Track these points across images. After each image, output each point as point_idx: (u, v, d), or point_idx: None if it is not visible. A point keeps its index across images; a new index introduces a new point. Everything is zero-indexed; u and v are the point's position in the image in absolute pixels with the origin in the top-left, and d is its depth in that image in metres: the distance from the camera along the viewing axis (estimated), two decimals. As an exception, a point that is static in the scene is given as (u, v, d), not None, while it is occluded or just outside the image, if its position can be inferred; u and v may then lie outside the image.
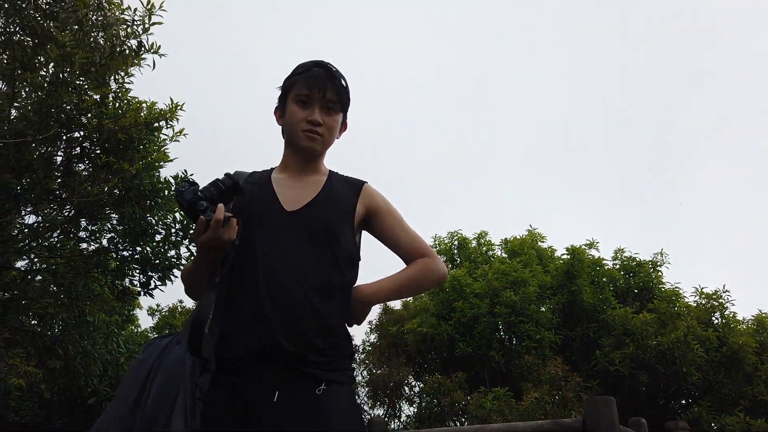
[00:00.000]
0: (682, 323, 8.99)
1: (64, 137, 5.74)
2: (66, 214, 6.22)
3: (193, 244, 6.21)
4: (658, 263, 11.77)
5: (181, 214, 6.13)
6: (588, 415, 5.15)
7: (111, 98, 4.94)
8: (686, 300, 10.57)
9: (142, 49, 4.45)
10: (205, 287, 1.60)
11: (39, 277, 6.05)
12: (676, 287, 11.22)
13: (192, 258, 1.76)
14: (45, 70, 4.38)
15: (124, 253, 5.86)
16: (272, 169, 1.86)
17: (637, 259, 11.62)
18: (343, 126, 1.85)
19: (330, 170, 1.86)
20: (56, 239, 6.45)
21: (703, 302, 10.59)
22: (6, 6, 4.95)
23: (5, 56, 5.24)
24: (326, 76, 1.73)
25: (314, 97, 1.71)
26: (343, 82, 1.77)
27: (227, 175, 1.59)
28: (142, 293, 5.89)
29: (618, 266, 11.69)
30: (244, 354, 1.48)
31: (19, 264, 6.75)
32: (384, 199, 1.83)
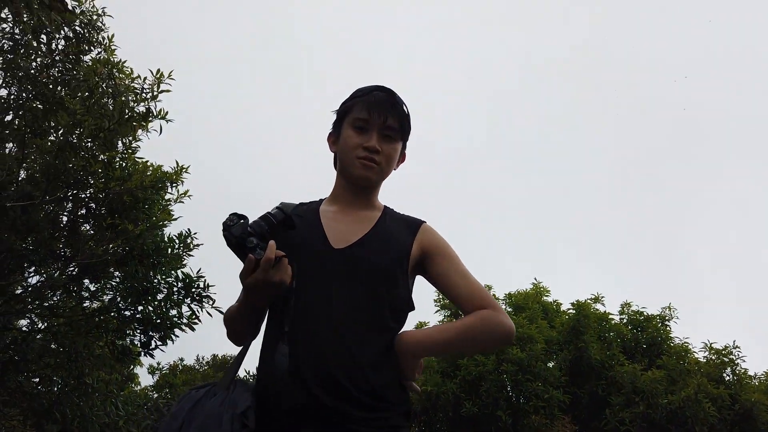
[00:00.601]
0: (693, 381, 8.79)
1: (71, 198, 5.84)
2: (69, 273, 6.25)
3: (194, 303, 6.20)
4: (666, 317, 11.62)
5: (183, 273, 6.14)
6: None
7: (117, 160, 5.05)
8: (696, 356, 10.38)
9: (150, 115, 4.59)
10: (274, 340, 1.43)
11: (39, 336, 6.02)
12: (685, 342, 11.04)
13: (237, 300, 1.56)
14: (54, 135, 4.50)
15: (126, 312, 5.83)
16: (321, 200, 1.69)
17: (645, 313, 11.48)
18: (402, 157, 1.68)
19: (385, 206, 1.69)
20: (58, 298, 6.45)
21: (713, 358, 10.40)
22: (20, 74, 5.14)
23: (17, 121, 5.41)
24: (388, 101, 1.58)
25: (373, 123, 1.55)
26: (405, 108, 1.61)
27: (279, 207, 1.44)
28: (142, 353, 5.83)
29: (625, 320, 11.54)
30: (283, 412, 1.36)
31: (21, 323, 6.74)
32: (443, 240, 1.64)
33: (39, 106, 5.05)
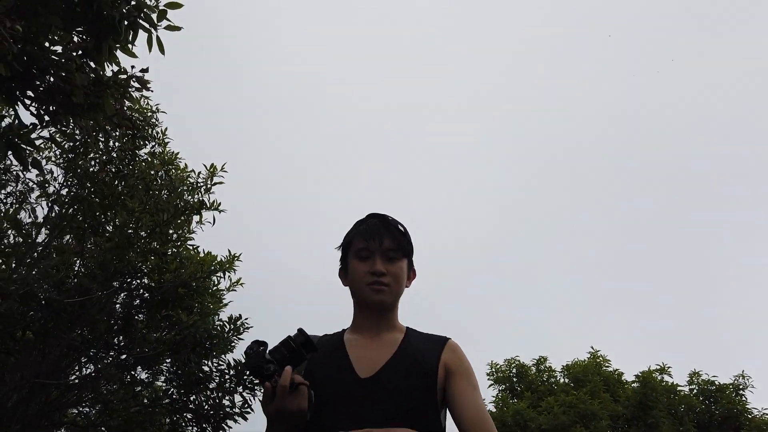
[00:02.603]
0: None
1: (125, 287, 5.92)
2: (123, 362, 6.25)
3: (247, 391, 6.07)
4: (741, 387, 10.84)
5: (235, 360, 6.06)
6: None
7: (171, 252, 5.11)
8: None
9: (204, 207, 4.66)
10: None
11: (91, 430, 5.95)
12: (765, 414, 10.21)
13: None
14: (112, 231, 4.60)
15: (178, 403, 5.74)
16: (344, 330, 1.75)
17: (716, 383, 10.73)
18: (411, 273, 1.76)
19: (407, 327, 1.74)
20: (111, 388, 6.42)
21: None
22: (79, 171, 5.34)
23: (78, 216, 5.58)
24: (381, 226, 1.68)
25: (373, 248, 1.65)
26: (400, 228, 1.71)
27: (300, 330, 1.46)
28: (195, 447, 5.68)
29: (695, 391, 10.80)
30: None
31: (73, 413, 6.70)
32: (467, 361, 1.67)
33: (97, 200, 5.22)
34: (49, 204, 5.72)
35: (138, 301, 5.80)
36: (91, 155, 5.36)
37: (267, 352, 1.37)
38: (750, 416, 10.27)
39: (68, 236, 6.09)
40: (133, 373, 6.33)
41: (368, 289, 1.62)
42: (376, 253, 1.64)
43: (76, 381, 6.49)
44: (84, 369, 6.16)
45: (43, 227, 5.69)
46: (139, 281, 5.72)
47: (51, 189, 5.49)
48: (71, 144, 5.42)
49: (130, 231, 5.00)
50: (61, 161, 4.98)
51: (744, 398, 10.65)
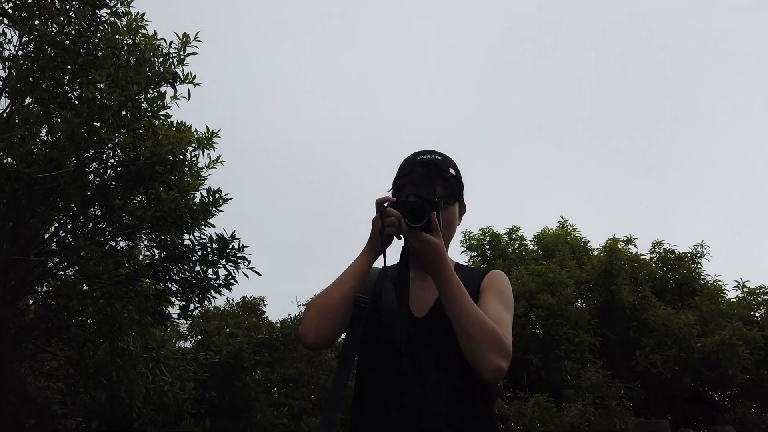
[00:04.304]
0: (727, 323, 8.72)
1: (96, 157, 5.66)
2: (101, 230, 6.18)
3: (230, 264, 6.13)
4: (698, 255, 11.45)
5: (217, 234, 6.02)
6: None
7: (144, 127, 4.82)
8: (728, 297, 10.28)
9: (177, 79, 4.31)
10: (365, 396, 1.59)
11: (74, 303, 6.01)
12: (717, 280, 10.90)
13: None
14: (80, 105, 4.26)
15: (163, 278, 5.79)
16: None
17: (676, 251, 11.31)
18: (462, 209, 1.76)
19: (456, 263, 1.76)
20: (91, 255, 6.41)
21: (746, 296, 10.29)
22: (36, 33, 4.82)
23: (41, 83, 5.14)
24: (433, 174, 1.64)
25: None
26: (452, 171, 1.68)
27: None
28: (181, 317, 5.84)
29: (655, 260, 11.39)
30: None
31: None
32: (501, 283, 1.69)
33: (59, 66, 4.78)
34: (6, 69, 5.26)
35: (114, 174, 5.59)
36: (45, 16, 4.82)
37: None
38: (703, 282, 10.97)
39: (30, 100, 5.68)
40: (112, 243, 6.29)
41: None
42: None
43: (55, 248, 6.46)
44: (63, 241, 6.08)
45: (1, 94, 5.29)
46: (113, 155, 5.46)
47: (6, 53, 5.01)
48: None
49: (99, 104, 4.66)
50: (9, 24, 4.47)
51: (699, 266, 11.31)
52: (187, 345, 9.95)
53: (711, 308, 9.50)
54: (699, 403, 9.24)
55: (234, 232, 5.87)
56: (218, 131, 5.04)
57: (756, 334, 8.71)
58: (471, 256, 12.13)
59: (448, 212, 1.66)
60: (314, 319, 1.55)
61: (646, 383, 8.92)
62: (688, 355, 8.55)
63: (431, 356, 1.54)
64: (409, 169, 1.68)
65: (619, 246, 10.59)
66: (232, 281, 6.03)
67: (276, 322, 11.20)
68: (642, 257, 10.77)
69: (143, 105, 4.54)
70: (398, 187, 1.70)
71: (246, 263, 5.99)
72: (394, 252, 1.70)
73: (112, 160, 5.38)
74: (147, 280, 5.97)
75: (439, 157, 1.69)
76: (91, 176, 6.08)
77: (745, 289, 10.20)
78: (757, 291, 10.00)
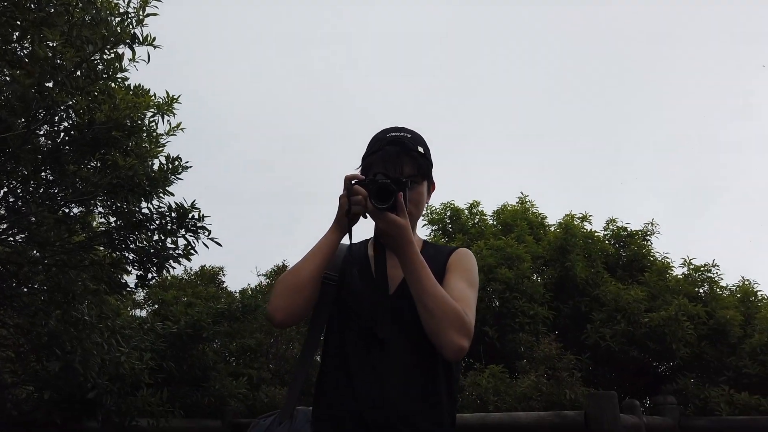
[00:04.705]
0: (673, 299, 9.12)
1: (48, 119, 5.42)
2: (53, 195, 5.96)
3: (190, 234, 6.02)
4: (648, 233, 11.86)
5: (176, 203, 5.89)
6: (590, 409, 5.24)
7: (99, 90, 4.63)
8: (675, 273, 10.71)
9: (136, 41, 4.13)
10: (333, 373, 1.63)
11: (25, 269, 5.82)
12: (665, 257, 11.35)
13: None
14: (32, 65, 4.06)
15: (119, 246, 5.65)
16: (367, 241, 1.82)
17: (628, 229, 11.69)
18: (431, 186, 1.79)
19: (424, 240, 1.81)
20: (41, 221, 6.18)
21: (691, 272, 10.75)
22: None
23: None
24: (401, 152, 1.65)
25: (392, 175, 1.61)
26: (420, 149, 1.69)
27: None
28: (138, 286, 5.73)
29: (609, 236, 11.75)
30: None
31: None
32: (467, 262, 1.75)
33: (8, 21, 4.52)
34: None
35: (67, 138, 5.37)
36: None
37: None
38: (652, 259, 11.40)
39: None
40: (65, 210, 6.08)
41: None
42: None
43: (4, 213, 6.20)
44: (12, 206, 5.84)
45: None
46: (66, 117, 5.24)
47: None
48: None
49: (51, 63, 4.44)
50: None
51: (650, 243, 11.73)
52: (143, 314, 9.81)
53: (659, 284, 9.89)
54: (644, 375, 9.68)
55: (194, 201, 5.76)
56: (179, 97, 4.88)
57: (700, 309, 9.13)
58: (432, 230, 12.26)
59: (416, 191, 1.67)
60: (282, 297, 1.55)
61: (595, 355, 9.28)
62: (636, 329, 8.92)
63: (397, 333, 1.57)
64: (378, 146, 1.67)
65: (575, 223, 10.89)
66: (192, 251, 5.94)
67: (235, 292, 11.14)
68: (596, 234, 11.09)
69: (99, 67, 4.35)
70: (366, 165, 1.70)
71: (206, 233, 5.90)
72: (359, 230, 1.72)
73: (66, 123, 5.16)
74: (102, 248, 5.80)
75: (408, 135, 1.69)
76: (43, 139, 5.84)
77: (691, 267, 10.63)
78: (702, 268, 10.45)
